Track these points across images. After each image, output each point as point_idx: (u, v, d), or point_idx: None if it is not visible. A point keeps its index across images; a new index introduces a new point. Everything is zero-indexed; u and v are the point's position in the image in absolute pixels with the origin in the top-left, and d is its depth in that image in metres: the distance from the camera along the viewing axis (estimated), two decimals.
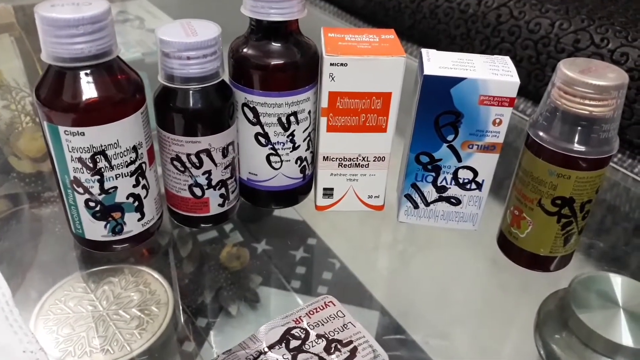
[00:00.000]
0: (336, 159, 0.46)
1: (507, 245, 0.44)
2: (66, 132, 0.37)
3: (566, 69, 0.37)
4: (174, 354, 0.39)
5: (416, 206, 0.47)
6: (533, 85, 0.75)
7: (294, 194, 0.49)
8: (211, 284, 0.43)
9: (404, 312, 0.42)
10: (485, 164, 0.44)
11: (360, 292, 0.43)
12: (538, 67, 0.74)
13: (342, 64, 0.42)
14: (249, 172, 0.47)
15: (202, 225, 0.47)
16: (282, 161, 0.46)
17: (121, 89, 0.38)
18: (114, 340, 0.38)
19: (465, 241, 0.48)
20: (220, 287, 0.43)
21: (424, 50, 0.44)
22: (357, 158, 0.46)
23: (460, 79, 0.41)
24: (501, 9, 0.79)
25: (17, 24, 0.82)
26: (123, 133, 0.39)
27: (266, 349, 0.36)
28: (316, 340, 0.37)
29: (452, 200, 0.46)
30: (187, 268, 0.45)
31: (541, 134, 0.39)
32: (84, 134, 0.37)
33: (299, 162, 0.47)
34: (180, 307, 0.41)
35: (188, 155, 0.42)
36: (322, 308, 0.39)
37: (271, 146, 0.45)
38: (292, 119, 0.44)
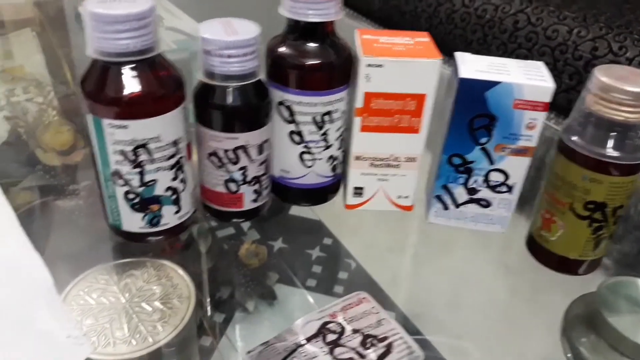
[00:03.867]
0: (368, 158, 0.47)
1: (536, 248, 0.45)
2: (110, 125, 0.38)
3: (602, 76, 0.38)
4: (195, 347, 0.39)
5: (446, 207, 0.47)
6: None
7: (323, 192, 0.50)
8: (230, 280, 0.44)
9: (420, 314, 0.42)
10: (517, 167, 0.45)
11: (376, 293, 0.43)
12: (555, 74, 0.75)
13: (378, 65, 0.43)
14: (281, 170, 0.48)
15: (234, 219, 0.47)
16: (314, 159, 0.47)
17: (163, 85, 0.39)
18: (137, 332, 0.38)
19: (492, 243, 0.48)
20: (239, 283, 0.43)
21: (457, 54, 0.44)
22: (389, 158, 0.47)
23: (496, 83, 0.41)
24: (518, 15, 0.80)
25: (38, 19, 0.82)
26: (165, 127, 0.39)
27: (304, 342, 0.37)
28: (352, 335, 0.37)
29: (482, 202, 0.47)
30: (207, 263, 0.45)
31: (575, 139, 0.40)
32: (127, 127, 0.38)
33: (330, 160, 0.48)
34: (204, 301, 0.41)
35: (225, 150, 0.43)
36: (356, 304, 0.40)
37: (304, 144, 0.46)
38: (326, 118, 0.45)
